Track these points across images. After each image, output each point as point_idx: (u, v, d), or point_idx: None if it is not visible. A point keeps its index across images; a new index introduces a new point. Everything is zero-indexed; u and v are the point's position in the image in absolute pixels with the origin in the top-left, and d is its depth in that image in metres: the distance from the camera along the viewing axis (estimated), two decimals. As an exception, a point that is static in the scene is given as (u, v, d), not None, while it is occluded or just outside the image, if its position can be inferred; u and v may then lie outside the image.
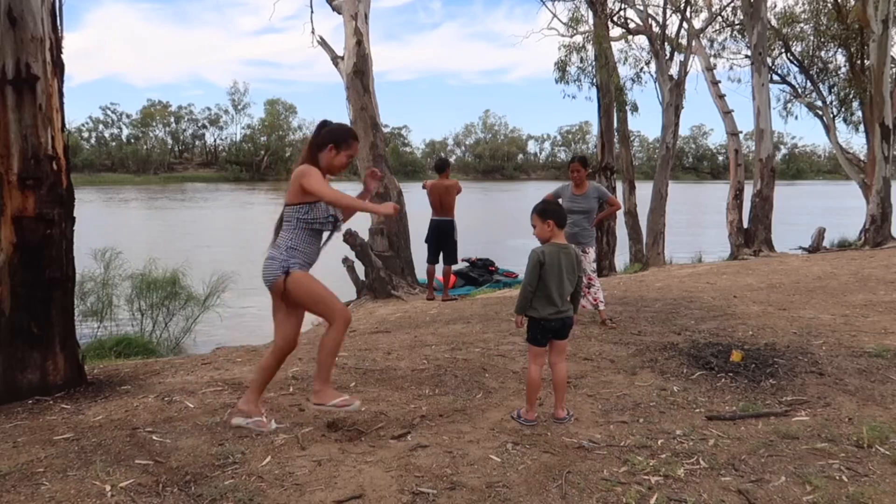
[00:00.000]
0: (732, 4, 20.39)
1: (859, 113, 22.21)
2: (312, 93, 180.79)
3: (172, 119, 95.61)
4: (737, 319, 6.39)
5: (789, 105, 24.54)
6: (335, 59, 11.16)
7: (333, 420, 3.68)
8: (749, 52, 17.85)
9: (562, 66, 19.73)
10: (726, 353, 4.85)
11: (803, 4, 22.98)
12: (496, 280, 13.58)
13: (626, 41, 20.38)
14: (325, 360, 3.55)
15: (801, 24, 23.29)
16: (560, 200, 6.03)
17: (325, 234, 3.60)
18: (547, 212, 3.71)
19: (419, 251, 9.80)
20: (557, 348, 3.74)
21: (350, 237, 10.01)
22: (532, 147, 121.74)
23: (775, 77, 23.27)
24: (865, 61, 19.69)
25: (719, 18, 21.10)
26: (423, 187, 8.99)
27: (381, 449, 3.31)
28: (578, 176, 6.36)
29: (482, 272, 13.91)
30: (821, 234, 17.10)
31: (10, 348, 4.14)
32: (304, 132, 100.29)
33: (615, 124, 16.90)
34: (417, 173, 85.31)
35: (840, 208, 37.56)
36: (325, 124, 3.66)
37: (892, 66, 17.24)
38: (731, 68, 35.45)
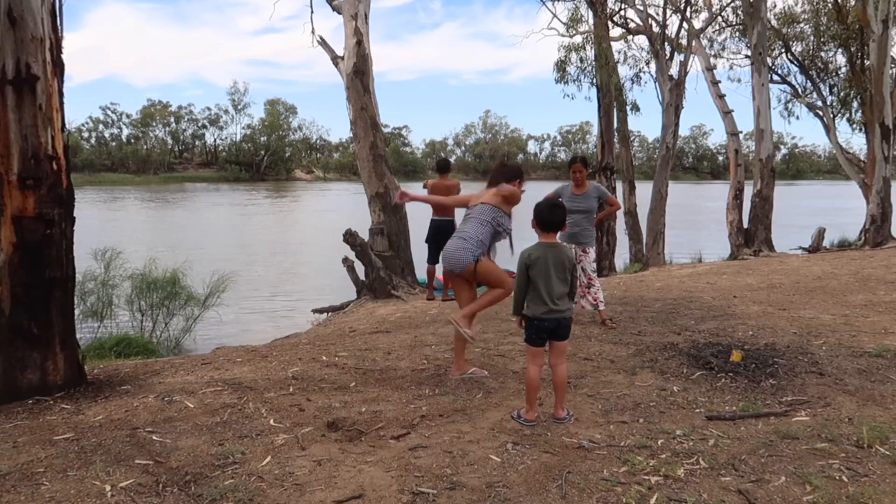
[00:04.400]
0: (732, 4, 20.41)
1: (859, 113, 22.20)
2: (312, 93, 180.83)
3: (172, 119, 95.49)
4: (737, 319, 6.39)
5: (790, 105, 24.58)
6: (335, 59, 11.16)
7: (333, 420, 3.68)
8: (749, 52, 17.86)
9: (562, 67, 19.69)
10: (726, 353, 4.84)
11: (803, 4, 23.02)
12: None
13: (626, 41, 20.36)
14: (483, 303, 4.48)
15: (801, 25, 23.30)
16: (560, 200, 6.02)
17: (501, 239, 4.62)
18: (533, 213, 3.78)
19: (419, 251, 9.79)
20: (557, 349, 3.73)
21: (350, 237, 10.00)
22: (532, 147, 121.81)
23: (775, 77, 23.29)
24: (865, 61, 19.68)
25: (719, 18, 21.13)
26: (424, 187, 8.99)
27: (381, 449, 3.31)
28: (580, 176, 6.35)
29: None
30: (821, 234, 17.08)
31: (10, 348, 4.14)
32: (303, 132, 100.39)
33: (615, 124, 16.89)
34: (417, 173, 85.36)
35: (840, 208, 37.56)
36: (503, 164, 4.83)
37: (892, 66, 17.23)
38: (731, 68, 35.41)
